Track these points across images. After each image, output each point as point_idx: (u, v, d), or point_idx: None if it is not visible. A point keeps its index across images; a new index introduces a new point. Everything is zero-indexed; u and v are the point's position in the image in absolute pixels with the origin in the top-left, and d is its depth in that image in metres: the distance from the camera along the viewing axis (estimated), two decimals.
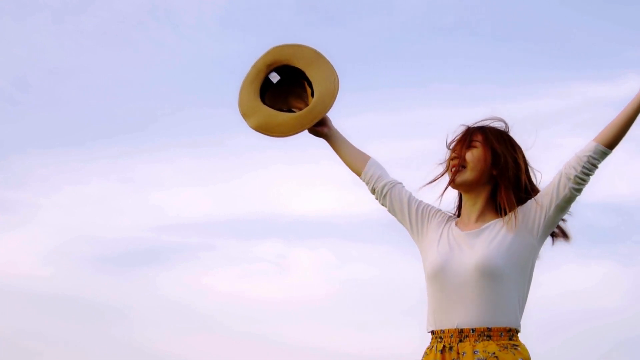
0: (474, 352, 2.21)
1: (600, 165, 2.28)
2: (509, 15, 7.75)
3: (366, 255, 7.96)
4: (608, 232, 7.51)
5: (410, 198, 2.51)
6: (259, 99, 2.57)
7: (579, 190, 2.27)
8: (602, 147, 2.26)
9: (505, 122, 2.46)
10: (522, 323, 2.32)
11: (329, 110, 2.55)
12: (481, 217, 2.38)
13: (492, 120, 2.46)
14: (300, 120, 2.54)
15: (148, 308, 7.99)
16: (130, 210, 8.45)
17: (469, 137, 2.40)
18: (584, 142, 2.31)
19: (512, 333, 2.26)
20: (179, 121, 8.29)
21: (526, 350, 2.27)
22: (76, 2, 8.28)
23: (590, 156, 2.26)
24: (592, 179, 2.29)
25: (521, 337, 2.30)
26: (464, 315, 2.26)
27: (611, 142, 2.26)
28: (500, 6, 7.76)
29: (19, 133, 8.37)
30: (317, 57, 2.58)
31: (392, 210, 2.53)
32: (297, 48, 2.61)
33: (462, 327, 2.25)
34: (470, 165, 2.37)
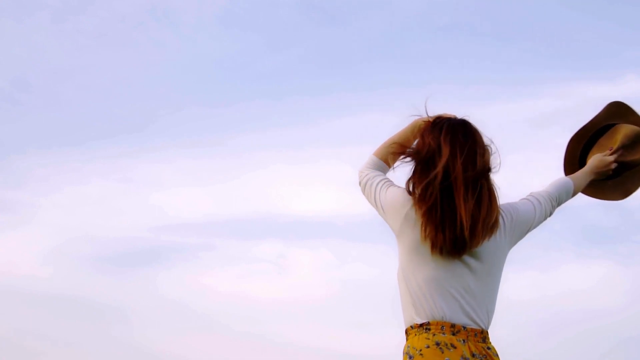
0: None
1: None
2: (508, 15, 7.76)
3: (366, 255, 7.96)
4: (608, 232, 7.51)
5: None
6: None
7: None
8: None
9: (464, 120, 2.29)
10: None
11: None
12: None
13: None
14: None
15: (148, 308, 8.00)
16: (130, 210, 8.46)
17: None
18: None
19: (407, 335, 2.23)
20: (179, 121, 8.30)
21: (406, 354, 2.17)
22: (76, 2, 8.30)
23: None
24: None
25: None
26: None
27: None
28: (500, 6, 7.77)
29: (19, 133, 8.39)
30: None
31: None
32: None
33: None
34: None
